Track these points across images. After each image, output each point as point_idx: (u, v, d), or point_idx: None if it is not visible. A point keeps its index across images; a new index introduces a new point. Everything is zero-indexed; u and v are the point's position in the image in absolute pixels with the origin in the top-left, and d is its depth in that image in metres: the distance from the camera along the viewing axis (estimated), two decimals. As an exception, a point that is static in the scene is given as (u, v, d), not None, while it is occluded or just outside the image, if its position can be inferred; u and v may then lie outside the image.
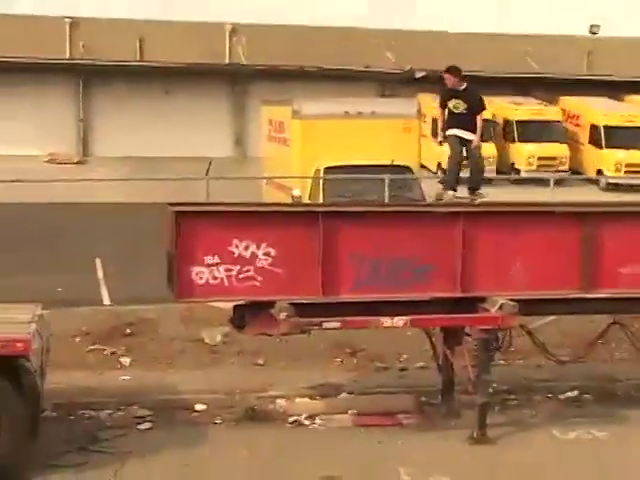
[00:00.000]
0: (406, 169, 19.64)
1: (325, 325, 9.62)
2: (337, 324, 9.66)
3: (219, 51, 38.02)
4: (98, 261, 17.65)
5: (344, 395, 11.17)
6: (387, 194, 17.09)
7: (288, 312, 9.33)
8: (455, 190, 11.90)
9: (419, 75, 36.45)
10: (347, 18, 37.96)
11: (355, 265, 9.70)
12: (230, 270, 9.44)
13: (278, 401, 10.88)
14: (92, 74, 36.41)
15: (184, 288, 9.39)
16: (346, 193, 17.53)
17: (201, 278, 9.38)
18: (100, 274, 17.01)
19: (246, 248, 9.47)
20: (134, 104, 35.86)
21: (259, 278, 9.50)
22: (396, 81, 36.42)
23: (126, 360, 12.10)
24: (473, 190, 12.15)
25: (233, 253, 9.44)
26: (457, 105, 12.07)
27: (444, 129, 12.45)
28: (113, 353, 12.19)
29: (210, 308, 11.92)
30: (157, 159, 31.73)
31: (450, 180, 12.06)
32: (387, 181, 17.23)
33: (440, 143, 12.24)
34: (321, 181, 19.10)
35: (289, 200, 17.68)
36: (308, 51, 36.49)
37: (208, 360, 12.19)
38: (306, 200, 18.23)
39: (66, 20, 37.41)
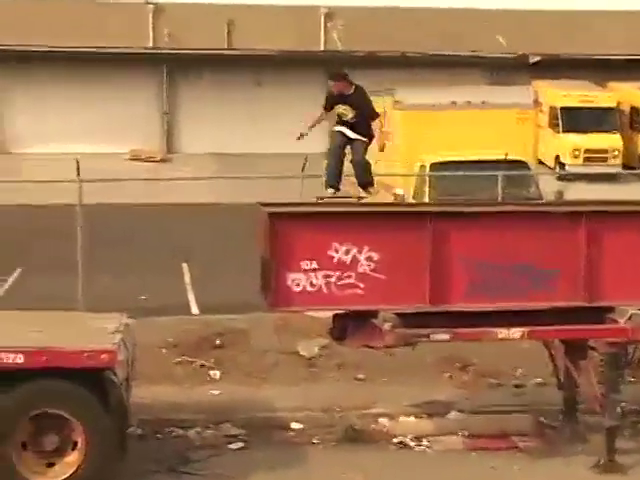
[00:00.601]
0: (521, 164, 19.45)
1: (433, 337, 9.61)
2: (447, 336, 9.64)
3: (313, 37, 38.20)
4: (185, 266, 17.94)
5: (454, 414, 11.14)
6: (500, 192, 16.93)
7: (393, 323, 9.35)
8: (337, 189, 11.83)
9: (534, 60, 36.02)
10: (452, -1, 37.59)
11: (466, 271, 9.66)
12: (329, 276, 9.50)
13: (381, 420, 10.92)
14: (177, 64, 36.92)
15: (280, 296, 9.49)
16: (455, 192, 17.42)
17: (298, 285, 9.47)
18: (187, 279, 17.30)
19: (346, 252, 9.52)
20: (222, 96, 36.23)
21: (361, 285, 9.54)
22: (508, 67, 36.05)
23: (216, 373, 12.28)
24: (364, 186, 12.07)
25: (332, 258, 9.50)
26: (345, 112, 12.04)
27: (312, 127, 12.41)
28: (202, 366, 12.38)
29: (306, 317, 12.00)
30: (247, 155, 32.03)
31: (329, 177, 11.98)
32: (500, 178, 17.07)
33: (299, 138, 12.24)
34: (427, 179, 19.04)
35: (391, 199, 17.68)
36: (410, 35, 36.38)
37: (305, 374, 12.28)
38: (410, 200, 18.20)
39: (149, 6, 38.07)
